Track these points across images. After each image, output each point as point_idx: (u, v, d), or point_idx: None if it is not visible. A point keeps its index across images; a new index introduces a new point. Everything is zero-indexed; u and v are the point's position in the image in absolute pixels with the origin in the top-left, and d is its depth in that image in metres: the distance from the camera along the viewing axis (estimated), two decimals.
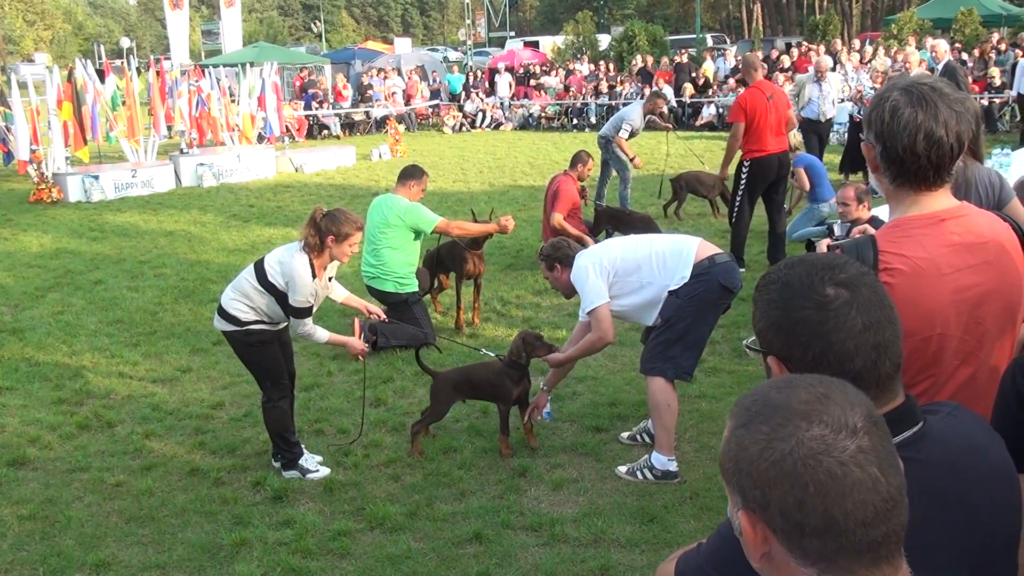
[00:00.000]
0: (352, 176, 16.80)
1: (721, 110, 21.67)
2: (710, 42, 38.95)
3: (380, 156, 19.01)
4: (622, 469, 4.58)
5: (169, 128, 16.95)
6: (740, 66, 11.04)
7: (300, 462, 4.71)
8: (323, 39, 64.69)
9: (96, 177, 14.60)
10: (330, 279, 4.82)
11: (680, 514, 4.16)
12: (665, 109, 12.44)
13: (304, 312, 4.53)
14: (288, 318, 4.61)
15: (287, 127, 20.42)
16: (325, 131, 24.23)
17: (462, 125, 25.31)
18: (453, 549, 3.93)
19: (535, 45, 38.29)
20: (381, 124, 23.97)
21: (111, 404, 5.80)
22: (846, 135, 14.53)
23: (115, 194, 14.67)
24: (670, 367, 4.39)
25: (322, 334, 4.67)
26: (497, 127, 25.27)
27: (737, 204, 8.49)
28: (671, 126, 12.67)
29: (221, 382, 6.16)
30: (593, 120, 23.86)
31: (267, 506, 4.40)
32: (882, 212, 6.08)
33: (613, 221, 9.33)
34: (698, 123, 21.61)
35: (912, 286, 1.78)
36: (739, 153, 8.45)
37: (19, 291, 8.72)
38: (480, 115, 25.64)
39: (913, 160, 1.84)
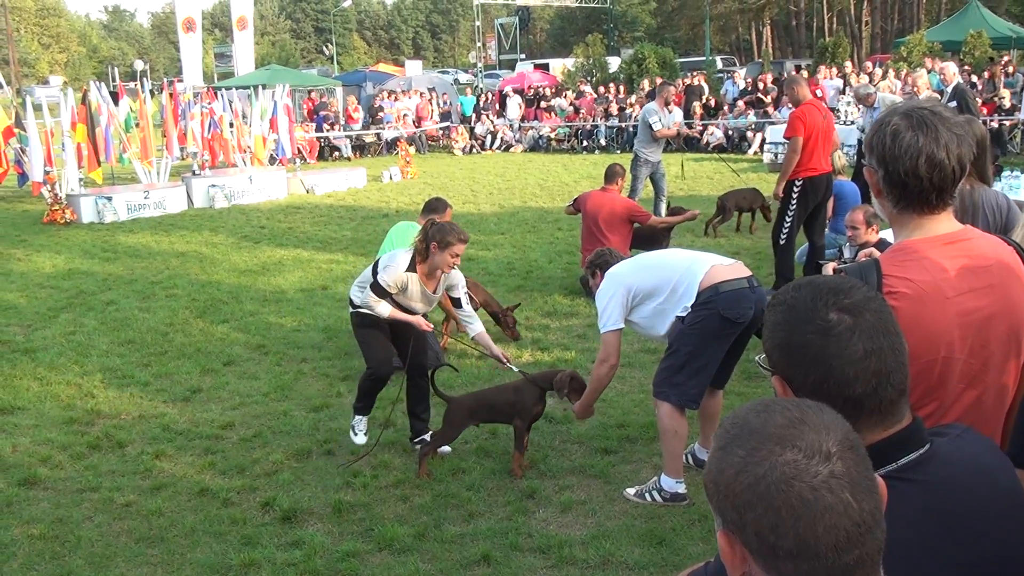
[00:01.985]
0: (363, 197, 16.88)
1: (731, 132, 21.70)
2: (719, 64, 39.13)
3: (391, 178, 19.10)
4: (631, 491, 4.57)
5: (182, 150, 17.08)
6: (784, 87, 11.09)
7: (355, 420, 5.35)
8: (335, 61, 65.16)
9: (109, 198, 14.71)
10: (460, 306, 5.21)
11: (689, 537, 4.14)
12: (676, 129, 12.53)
13: (379, 291, 4.96)
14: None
15: (298, 149, 20.54)
16: (336, 153, 24.35)
17: (472, 147, 25.43)
18: (461, 571, 3.93)
19: (545, 67, 38.42)
20: (392, 146, 24.11)
21: (121, 424, 5.83)
22: (855, 157, 14.51)
23: (128, 215, 14.77)
24: (674, 394, 4.38)
25: (384, 308, 5.01)
26: (507, 149, 25.37)
27: (787, 225, 8.13)
28: (686, 131, 12.83)
29: (231, 402, 6.18)
30: (603, 142, 23.93)
31: (276, 527, 4.40)
32: (890, 235, 6.07)
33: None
34: (711, 146, 21.62)
35: (916, 309, 1.78)
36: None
37: (31, 311, 8.78)
38: (490, 137, 25.77)
39: (916, 183, 1.85)
